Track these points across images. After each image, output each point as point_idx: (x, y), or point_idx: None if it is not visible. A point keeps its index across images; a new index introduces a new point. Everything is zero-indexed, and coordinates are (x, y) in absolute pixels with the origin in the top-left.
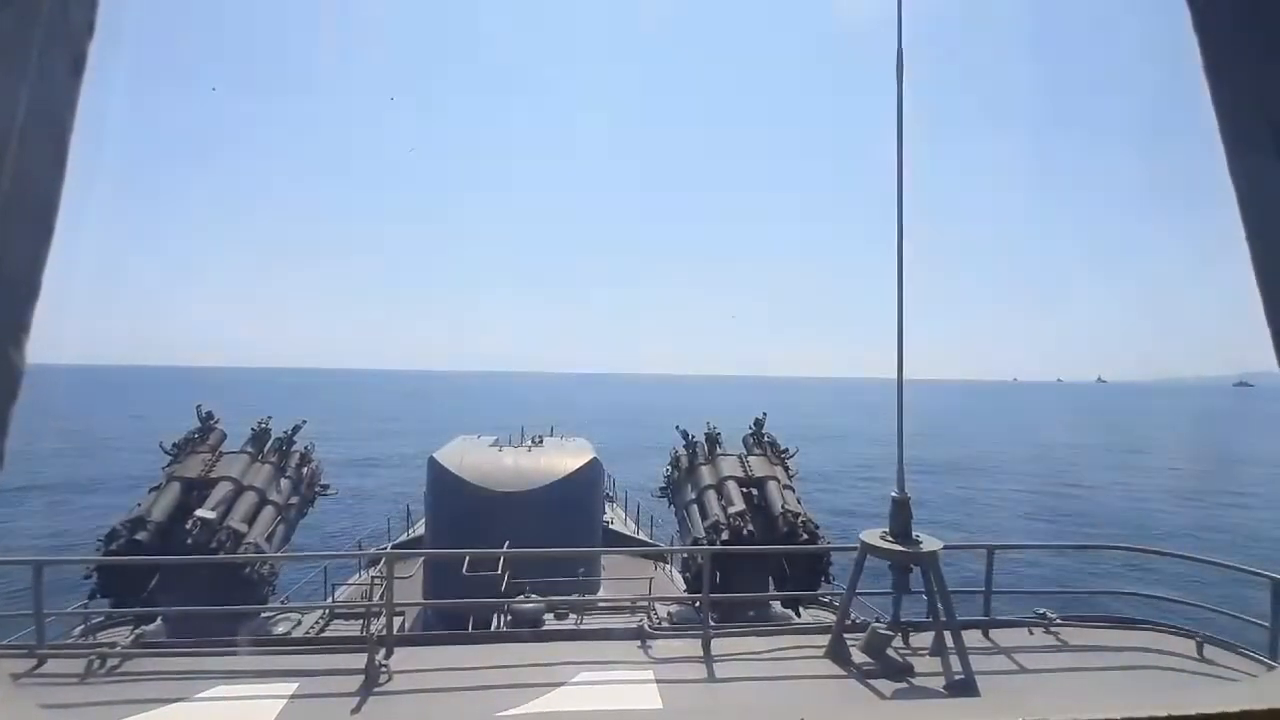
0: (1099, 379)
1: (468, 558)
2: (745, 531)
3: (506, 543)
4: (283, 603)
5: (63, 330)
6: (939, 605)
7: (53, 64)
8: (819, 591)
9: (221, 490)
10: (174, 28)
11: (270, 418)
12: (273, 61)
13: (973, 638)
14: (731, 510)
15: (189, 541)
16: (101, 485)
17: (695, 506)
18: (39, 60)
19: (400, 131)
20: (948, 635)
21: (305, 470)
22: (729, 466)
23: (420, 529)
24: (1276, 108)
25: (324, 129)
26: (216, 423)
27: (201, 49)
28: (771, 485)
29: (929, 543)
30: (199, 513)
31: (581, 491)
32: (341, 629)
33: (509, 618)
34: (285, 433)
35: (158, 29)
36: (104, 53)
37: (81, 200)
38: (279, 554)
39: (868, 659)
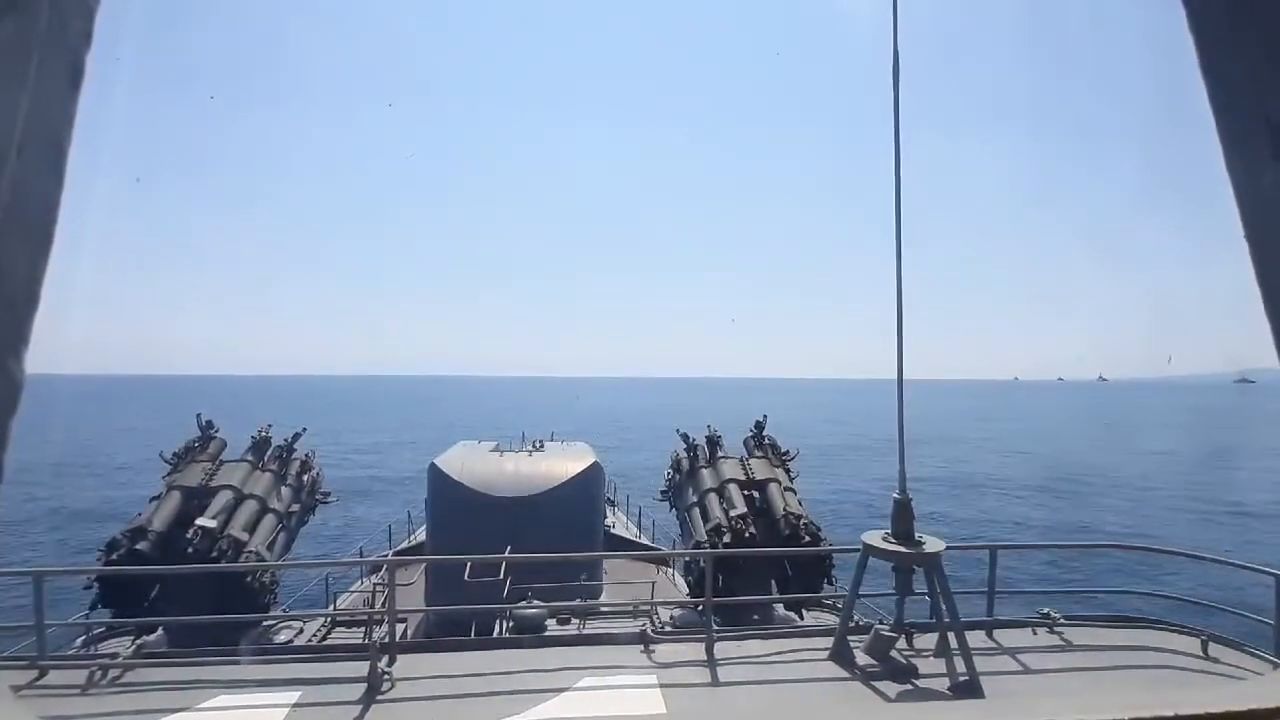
0: (1100, 377)
1: (469, 564)
2: (747, 534)
3: (508, 548)
4: (284, 611)
5: (62, 341)
6: (942, 606)
7: (51, 74)
8: (822, 594)
9: (222, 499)
10: (172, 37)
11: (270, 425)
12: (271, 69)
13: (976, 639)
14: (733, 513)
15: (190, 550)
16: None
17: (697, 509)
18: (37, 71)
19: (399, 137)
20: (951, 636)
21: (306, 478)
22: (730, 469)
23: (421, 535)
24: (1272, 106)
25: (323, 135)
26: (216, 431)
27: (199, 58)
28: (773, 488)
29: (931, 544)
30: (200, 521)
31: (583, 496)
32: (344, 637)
33: (511, 623)
34: (285, 440)
35: (156, 38)
36: (102, 63)
37: (80, 210)
38: (280, 562)
39: (871, 661)
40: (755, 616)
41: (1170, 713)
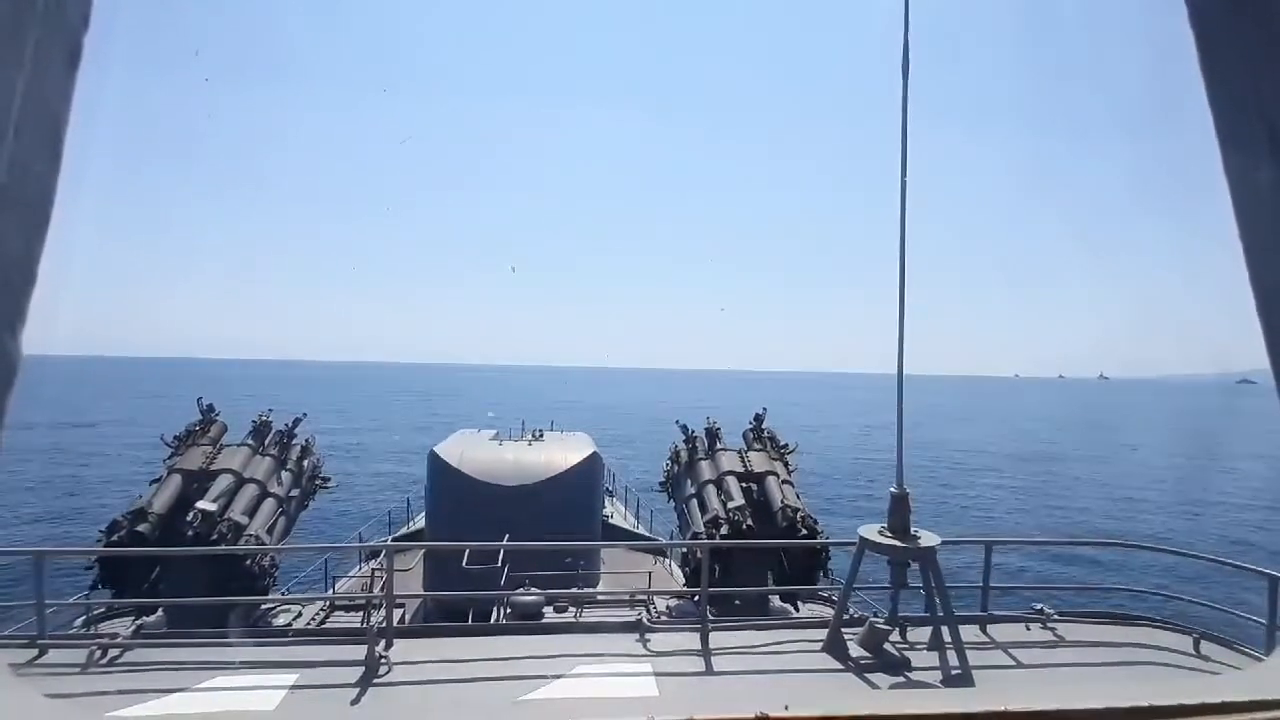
0: (1101, 375)
1: (468, 551)
2: (744, 526)
3: (506, 536)
4: (283, 594)
5: (58, 320)
6: (936, 600)
7: (48, 56)
8: (817, 586)
9: (222, 483)
10: (169, 19)
11: (271, 410)
12: (266, 53)
13: (970, 633)
14: (731, 505)
15: (190, 533)
16: None
17: (695, 501)
18: (34, 52)
19: (394, 123)
20: (945, 630)
21: (306, 463)
22: (728, 461)
23: (420, 522)
24: (1270, 104)
25: (317, 120)
26: (217, 415)
27: (196, 41)
28: (771, 480)
29: (927, 538)
30: (200, 505)
31: (581, 485)
32: (342, 620)
33: (508, 610)
34: (286, 425)
35: (153, 21)
36: (99, 45)
37: (76, 191)
38: (280, 546)
39: (865, 653)
40: (738, 604)
41: (1148, 703)
